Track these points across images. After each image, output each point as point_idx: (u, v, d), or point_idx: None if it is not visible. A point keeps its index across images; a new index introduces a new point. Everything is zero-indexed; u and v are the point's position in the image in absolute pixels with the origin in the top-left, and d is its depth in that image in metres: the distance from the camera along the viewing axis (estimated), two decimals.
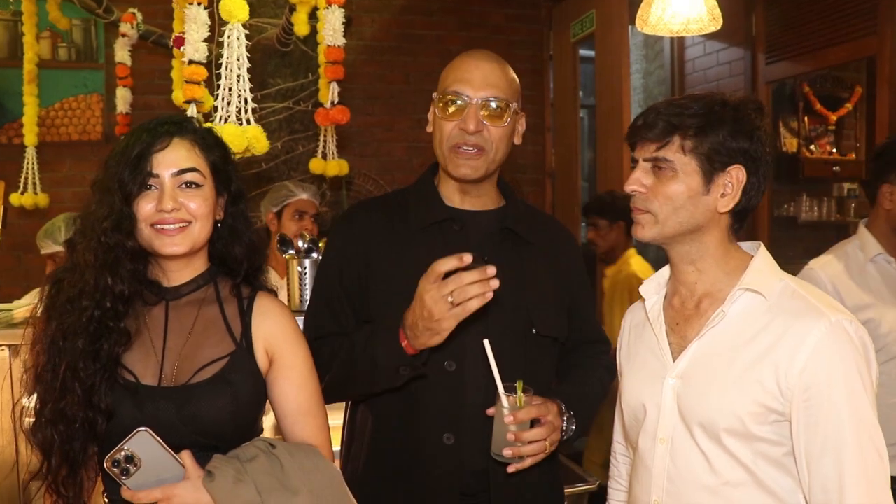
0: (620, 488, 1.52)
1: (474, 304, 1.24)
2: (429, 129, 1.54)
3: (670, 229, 1.26)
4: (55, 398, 1.19)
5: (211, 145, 1.32)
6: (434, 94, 1.51)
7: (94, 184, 1.28)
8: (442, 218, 1.52)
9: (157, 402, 1.21)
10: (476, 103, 1.45)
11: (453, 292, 1.24)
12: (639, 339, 1.40)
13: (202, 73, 1.84)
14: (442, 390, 1.43)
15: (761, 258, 1.28)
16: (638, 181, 1.27)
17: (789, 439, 1.17)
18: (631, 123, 1.31)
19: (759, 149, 1.24)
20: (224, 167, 1.32)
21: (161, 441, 1.16)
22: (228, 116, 1.90)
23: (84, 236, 1.24)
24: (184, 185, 1.26)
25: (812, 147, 4.88)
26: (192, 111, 1.83)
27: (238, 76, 1.86)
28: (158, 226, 1.24)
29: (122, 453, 1.14)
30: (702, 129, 1.23)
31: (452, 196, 1.54)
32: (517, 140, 1.55)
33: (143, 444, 1.15)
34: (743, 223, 1.30)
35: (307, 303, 2.07)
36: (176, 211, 1.24)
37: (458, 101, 1.46)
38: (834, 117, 4.89)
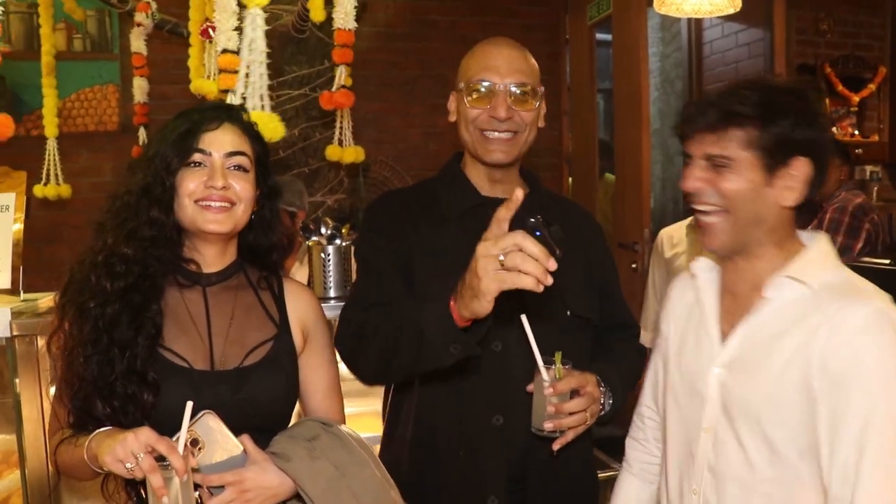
0: (642, 449, 1.51)
1: (526, 282, 1.08)
2: (451, 118, 1.54)
3: (740, 230, 1.18)
4: (89, 376, 1.18)
5: (256, 136, 1.35)
6: (460, 84, 1.50)
7: (130, 164, 1.30)
8: (475, 204, 1.51)
9: (214, 387, 1.23)
10: (503, 90, 1.45)
11: (508, 254, 1.09)
12: (689, 321, 1.35)
13: (236, 61, 1.82)
14: (490, 371, 1.42)
15: (816, 249, 1.21)
16: (697, 178, 1.18)
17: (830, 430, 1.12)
18: (682, 112, 1.22)
19: (823, 137, 1.17)
20: (265, 160, 1.36)
21: (224, 424, 1.18)
22: (244, 102, 1.88)
23: (113, 207, 1.26)
24: (233, 168, 1.28)
25: (834, 129, 4.80)
26: (230, 100, 1.82)
27: (258, 62, 1.83)
28: (204, 202, 1.26)
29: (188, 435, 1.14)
30: (763, 121, 1.13)
31: (482, 184, 1.54)
32: (541, 123, 1.55)
33: (207, 426, 1.17)
34: (804, 213, 1.21)
35: (330, 289, 2.07)
36: (225, 189, 1.26)
37: (485, 89, 1.45)
38: (856, 98, 4.81)
